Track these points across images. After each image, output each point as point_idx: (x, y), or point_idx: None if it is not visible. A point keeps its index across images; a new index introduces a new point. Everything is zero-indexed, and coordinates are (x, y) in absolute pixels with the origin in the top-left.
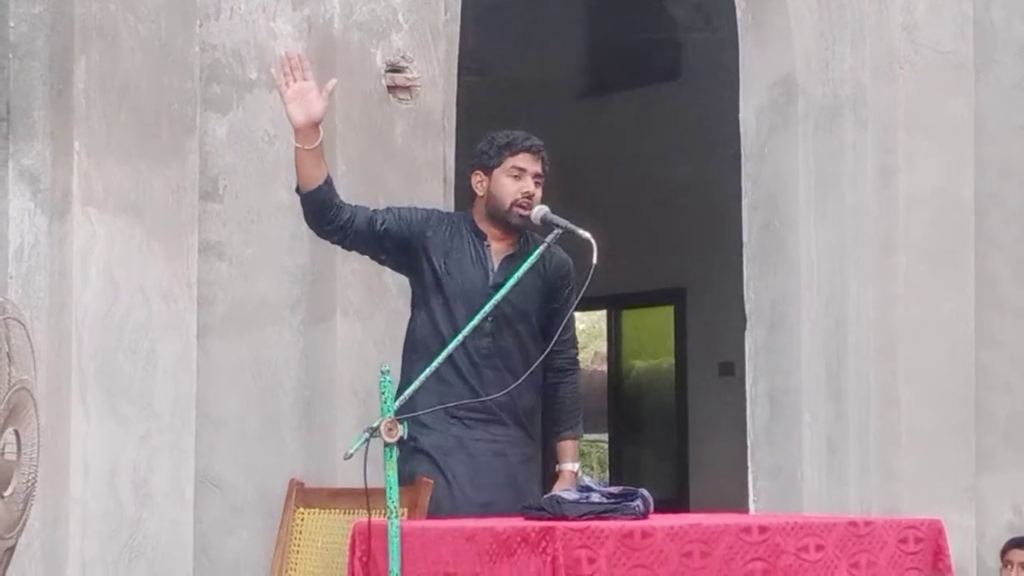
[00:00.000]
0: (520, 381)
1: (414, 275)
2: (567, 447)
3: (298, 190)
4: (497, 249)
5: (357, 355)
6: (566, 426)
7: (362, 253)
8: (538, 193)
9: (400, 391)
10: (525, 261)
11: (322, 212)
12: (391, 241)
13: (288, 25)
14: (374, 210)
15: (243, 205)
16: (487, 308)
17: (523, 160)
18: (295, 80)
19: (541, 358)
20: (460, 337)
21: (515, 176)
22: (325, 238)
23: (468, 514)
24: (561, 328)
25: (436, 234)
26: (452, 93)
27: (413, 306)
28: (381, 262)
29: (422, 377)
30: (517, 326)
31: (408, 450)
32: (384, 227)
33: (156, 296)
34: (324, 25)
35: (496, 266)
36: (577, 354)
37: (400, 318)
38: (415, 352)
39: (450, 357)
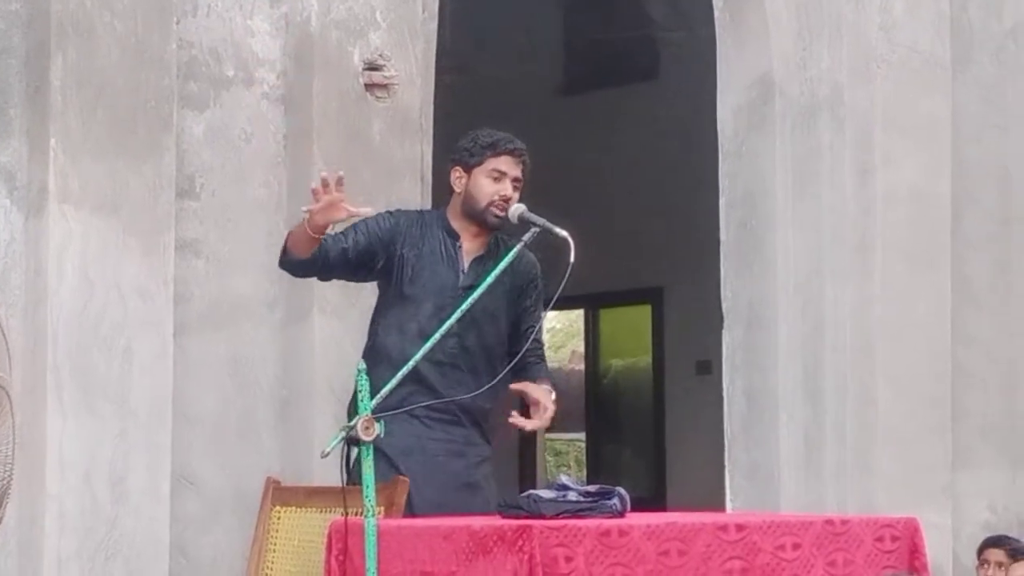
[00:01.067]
0: (489, 386)
1: (385, 279)
2: (545, 380)
3: (285, 252)
4: (468, 249)
5: (334, 353)
6: (543, 375)
7: (339, 279)
8: (515, 197)
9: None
10: (497, 262)
11: (303, 269)
12: (363, 258)
13: (265, 23)
14: (342, 234)
15: (220, 203)
16: (462, 308)
17: (504, 163)
18: (327, 193)
19: (512, 364)
20: (434, 339)
21: (495, 178)
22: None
23: (424, 514)
24: (535, 331)
25: (407, 237)
26: (430, 91)
27: (377, 310)
28: (360, 281)
29: (400, 374)
30: (484, 327)
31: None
32: (355, 250)
33: (132, 294)
34: (301, 23)
35: (466, 267)
36: (544, 356)
37: None
38: (377, 356)
39: (407, 357)
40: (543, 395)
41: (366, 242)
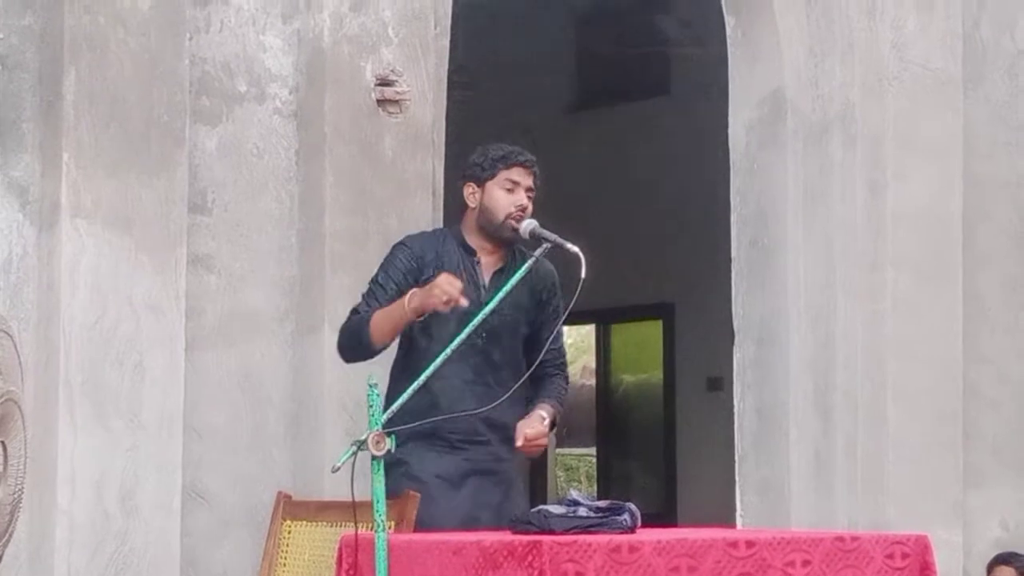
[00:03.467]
0: (509, 394)
1: None
2: (544, 405)
3: (361, 342)
4: (487, 264)
5: (345, 368)
6: (545, 396)
7: None
8: (530, 207)
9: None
10: (514, 275)
11: (372, 356)
12: None
13: (278, 38)
14: (376, 299)
15: (232, 218)
16: (475, 323)
17: (517, 174)
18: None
19: (531, 370)
20: (452, 345)
21: (508, 189)
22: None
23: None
24: (551, 338)
25: (427, 263)
26: (441, 107)
27: (404, 334)
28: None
29: (413, 387)
30: (508, 341)
31: (404, 476)
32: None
33: (144, 308)
34: (314, 39)
35: (487, 282)
36: (565, 365)
37: None
38: (405, 372)
39: (441, 381)
40: (522, 424)
41: (395, 295)
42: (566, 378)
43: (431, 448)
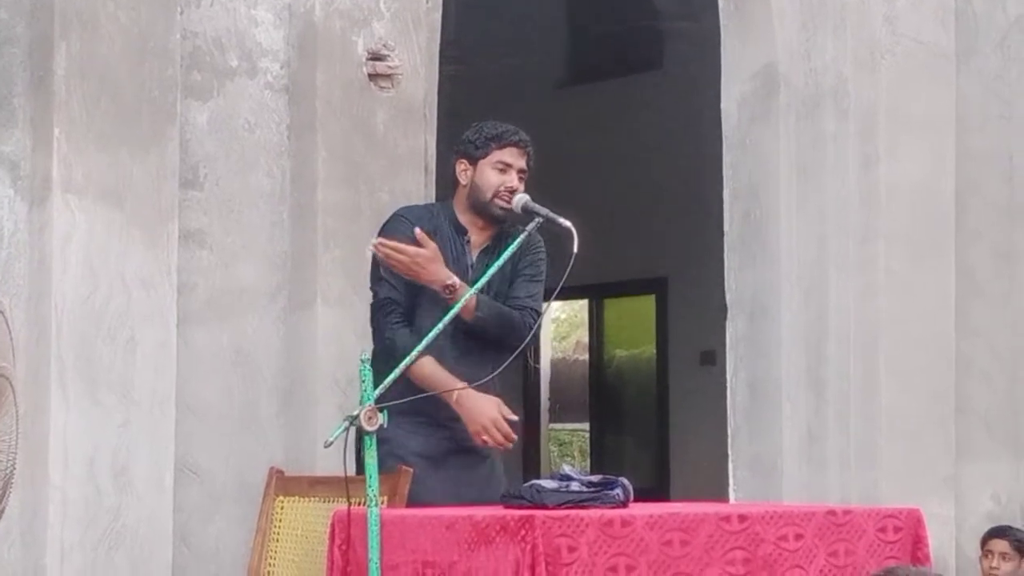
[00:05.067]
0: (498, 371)
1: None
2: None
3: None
4: (475, 243)
5: (337, 343)
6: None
7: None
8: (520, 188)
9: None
10: (502, 252)
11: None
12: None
13: (269, 13)
14: (391, 276)
15: (223, 193)
16: (460, 303)
17: (509, 154)
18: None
19: (515, 353)
20: (433, 334)
21: (500, 170)
22: None
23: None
24: (519, 289)
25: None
26: (433, 82)
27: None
28: None
29: (402, 366)
30: None
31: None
32: (402, 282)
33: (136, 284)
34: (305, 13)
35: (474, 260)
36: (531, 318)
37: None
38: (393, 358)
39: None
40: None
41: (403, 288)
42: (527, 325)
43: (416, 426)
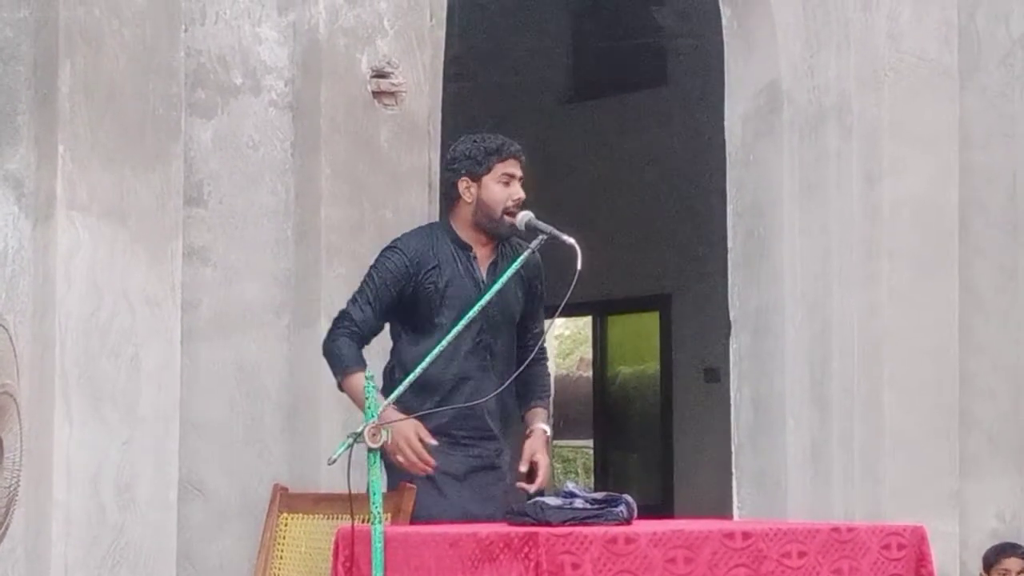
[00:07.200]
0: (508, 383)
1: (410, 309)
2: (538, 412)
3: (337, 383)
4: (482, 257)
5: None
6: (536, 396)
7: None
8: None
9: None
10: (508, 264)
11: None
12: (390, 314)
13: (273, 30)
14: (364, 311)
15: (227, 210)
16: (469, 315)
17: (511, 166)
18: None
19: (526, 363)
20: (444, 342)
21: (505, 183)
22: None
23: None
24: (534, 322)
25: (421, 267)
26: (437, 99)
27: (407, 332)
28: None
29: (410, 378)
30: (506, 330)
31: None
32: (380, 314)
33: (140, 301)
34: (309, 31)
35: (484, 275)
36: (545, 350)
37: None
38: (405, 372)
39: (447, 377)
40: (539, 452)
41: (389, 301)
42: (546, 362)
43: (436, 446)
